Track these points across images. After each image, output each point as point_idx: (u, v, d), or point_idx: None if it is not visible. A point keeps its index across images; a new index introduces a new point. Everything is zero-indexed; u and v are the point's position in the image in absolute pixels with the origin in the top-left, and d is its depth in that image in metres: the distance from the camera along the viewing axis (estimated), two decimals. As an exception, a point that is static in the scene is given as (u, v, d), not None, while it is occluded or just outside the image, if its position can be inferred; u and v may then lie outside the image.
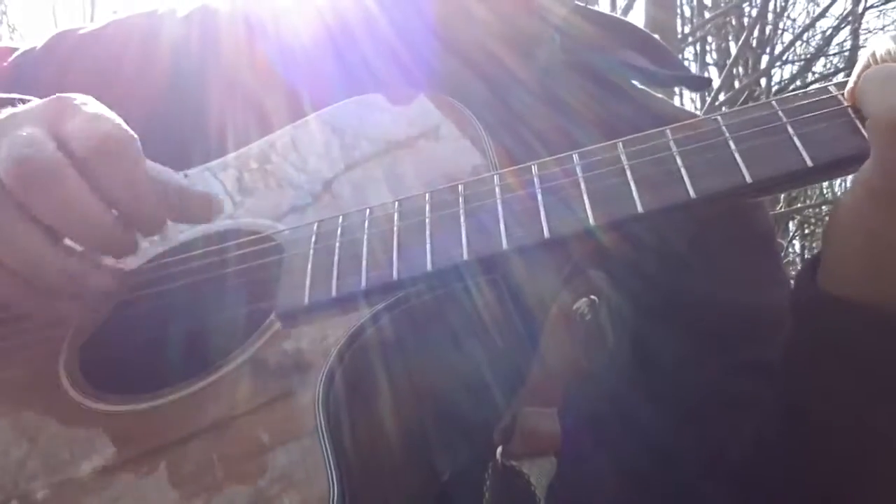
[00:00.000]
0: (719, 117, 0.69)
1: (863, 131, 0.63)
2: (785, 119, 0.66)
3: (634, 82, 1.07)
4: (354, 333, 0.68)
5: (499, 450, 0.72)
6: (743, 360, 0.93)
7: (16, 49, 1.06)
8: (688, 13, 8.17)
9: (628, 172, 0.69)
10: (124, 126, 0.71)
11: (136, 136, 0.71)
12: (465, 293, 0.70)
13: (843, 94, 0.66)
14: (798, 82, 7.68)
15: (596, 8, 1.17)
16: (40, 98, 0.77)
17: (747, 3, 7.80)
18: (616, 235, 0.69)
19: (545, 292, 0.73)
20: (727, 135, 0.67)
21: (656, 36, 1.10)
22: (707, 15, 7.99)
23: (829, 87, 0.66)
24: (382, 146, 0.84)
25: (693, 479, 0.96)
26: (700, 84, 1.20)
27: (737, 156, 0.66)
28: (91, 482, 0.69)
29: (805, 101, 0.67)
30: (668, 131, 0.70)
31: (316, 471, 0.62)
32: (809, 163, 0.63)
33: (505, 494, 0.72)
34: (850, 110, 0.65)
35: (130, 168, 0.71)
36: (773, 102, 0.68)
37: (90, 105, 0.72)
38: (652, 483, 0.93)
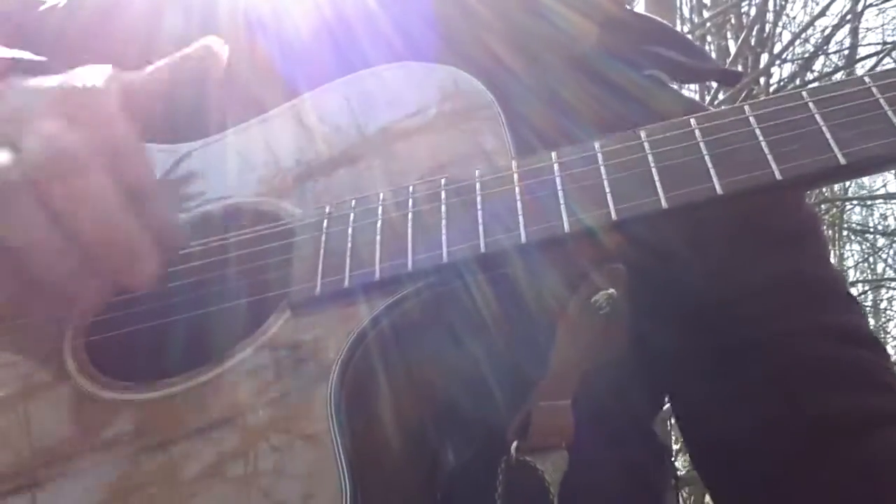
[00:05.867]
0: (747, 108, 0.67)
1: None
2: (816, 111, 0.64)
3: (644, 77, 1.06)
4: (366, 328, 0.67)
5: (513, 445, 0.71)
6: (751, 341, 0.93)
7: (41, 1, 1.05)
8: (687, 12, 8.17)
9: (652, 164, 0.67)
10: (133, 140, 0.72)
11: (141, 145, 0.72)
12: (478, 286, 0.69)
13: (877, 86, 0.64)
14: (797, 81, 7.69)
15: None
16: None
17: (746, 2, 7.81)
18: (636, 229, 0.67)
19: (561, 285, 0.71)
20: (756, 128, 0.66)
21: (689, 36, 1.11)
22: (706, 14, 7.99)
23: (865, 79, 0.65)
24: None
25: (704, 472, 0.98)
26: (731, 78, 1.20)
27: (766, 150, 0.64)
28: (95, 473, 0.67)
29: (837, 93, 0.65)
30: (692, 121, 0.68)
31: (326, 468, 0.61)
32: (842, 160, 0.61)
33: (518, 490, 0.71)
34: (884, 102, 0.63)
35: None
36: (804, 93, 0.66)
37: (106, 98, 0.72)
38: (649, 469, 0.94)
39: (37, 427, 0.72)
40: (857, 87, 0.65)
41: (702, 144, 0.66)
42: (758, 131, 0.65)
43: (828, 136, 0.63)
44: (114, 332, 0.78)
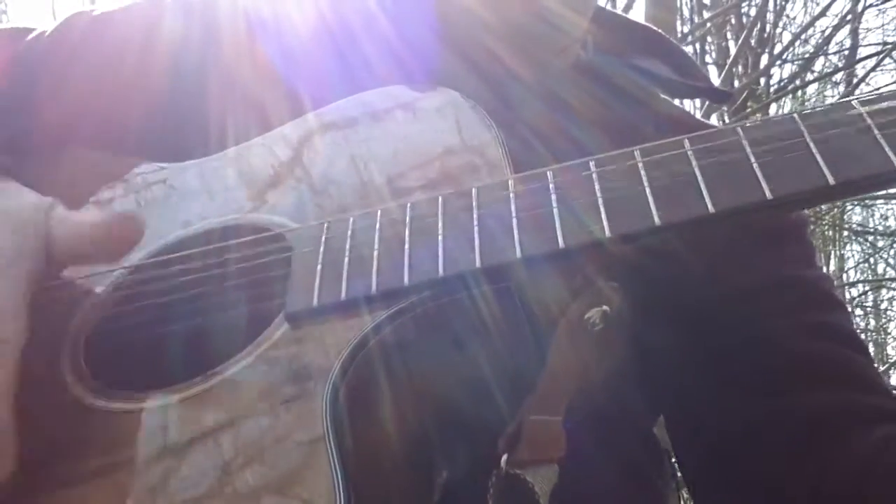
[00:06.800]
0: (740, 129, 0.68)
1: (886, 148, 0.62)
2: (807, 134, 0.65)
3: (642, 84, 1.07)
4: (362, 340, 0.68)
5: (503, 458, 0.72)
6: (743, 340, 0.95)
7: (28, 30, 1.05)
8: (687, 13, 8.16)
9: (646, 183, 0.68)
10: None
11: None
12: (473, 300, 0.70)
13: (867, 111, 0.65)
14: (797, 81, 7.69)
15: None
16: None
17: (746, 3, 7.80)
18: (630, 246, 0.68)
19: (555, 300, 0.72)
20: (748, 149, 0.67)
21: (685, 48, 1.11)
22: (706, 14, 7.98)
23: (853, 103, 0.66)
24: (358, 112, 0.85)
25: (690, 472, 0.98)
26: (721, 97, 1.20)
27: (757, 171, 0.65)
28: (92, 481, 0.68)
29: (828, 117, 0.66)
30: (686, 142, 0.69)
31: (321, 477, 0.61)
32: (832, 180, 0.62)
33: (508, 502, 0.71)
34: (873, 126, 0.64)
35: None
36: (796, 116, 0.67)
37: None
38: (650, 473, 0.95)
39: (33, 436, 0.72)
40: (847, 112, 0.66)
41: (694, 164, 0.67)
42: (749, 152, 0.66)
43: (818, 157, 0.64)
44: (112, 343, 0.79)
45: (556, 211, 0.69)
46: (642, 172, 0.69)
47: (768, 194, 0.64)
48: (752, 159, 0.66)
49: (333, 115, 0.87)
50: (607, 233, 0.67)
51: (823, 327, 0.95)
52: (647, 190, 0.68)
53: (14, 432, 0.69)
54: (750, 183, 0.65)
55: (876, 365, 1.01)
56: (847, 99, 0.67)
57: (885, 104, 0.65)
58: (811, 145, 0.65)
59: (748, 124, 0.68)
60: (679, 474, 1.08)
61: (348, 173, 0.81)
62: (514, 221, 0.70)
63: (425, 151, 0.80)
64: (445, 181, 0.77)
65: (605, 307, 0.71)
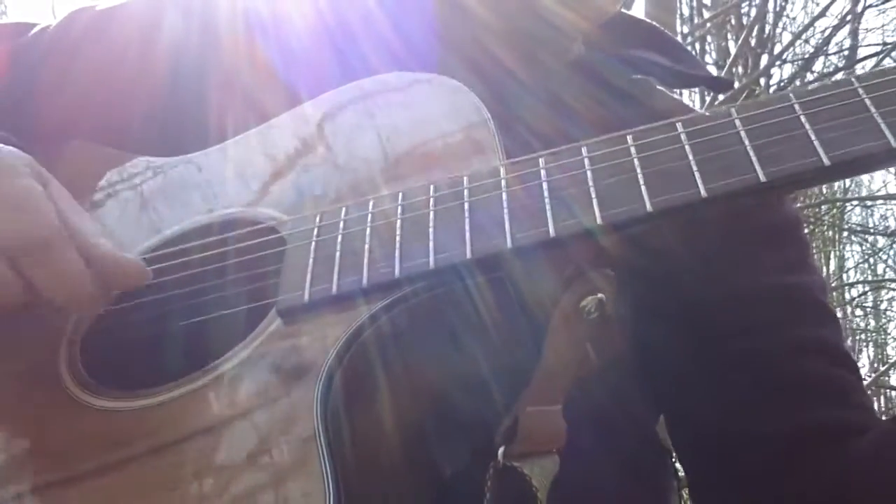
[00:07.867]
0: (733, 110, 0.67)
1: (883, 127, 0.61)
2: (801, 113, 0.64)
3: (637, 79, 1.06)
4: (354, 334, 0.67)
5: (500, 451, 0.71)
6: (739, 352, 0.95)
7: (32, 25, 1.06)
8: (687, 12, 8.17)
9: (638, 169, 0.67)
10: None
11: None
12: (466, 291, 0.69)
13: (863, 88, 0.64)
14: (797, 82, 7.68)
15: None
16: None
17: (746, 3, 7.81)
18: (622, 234, 0.67)
19: (549, 290, 0.72)
20: (741, 130, 0.65)
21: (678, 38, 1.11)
22: (706, 14, 7.99)
23: (851, 79, 0.64)
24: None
25: (690, 469, 0.98)
26: (721, 85, 1.20)
27: (751, 153, 0.64)
28: (89, 480, 0.68)
29: (824, 95, 0.65)
30: (678, 125, 0.68)
31: (313, 473, 0.61)
32: (826, 161, 0.61)
33: (506, 496, 0.71)
34: (870, 105, 0.63)
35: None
36: (791, 95, 0.66)
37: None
38: (651, 471, 0.94)
39: (30, 435, 0.72)
40: (843, 89, 0.65)
41: (687, 148, 0.66)
42: (743, 134, 0.65)
43: (812, 137, 0.63)
44: (108, 341, 0.78)
45: (547, 199, 0.69)
46: (634, 158, 0.68)
47: (762, 177, 0.63)
48: (746, 141, 0.65)
49: (331, 99, 0.86)
50: (598, 220, 0.66)
51: (814, 342, 0.96)
52: (640, 176, 0.67)
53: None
54: (743, 165, 0.64)
55: (875, 365, 1.01)
56: (844, 79, 0.66)
57: (881, 79, 0.64)
58: (806, 125, 0.64)
59: (741, 103, 0.67)
60: (681, 473, 1.08)
61: (368, 147, 0.81)
62: (505, 211, 0.69)
63: (433, 127, 0.80)
64: (448, 158, 0.77)
65: (600, 295, 0.70)
